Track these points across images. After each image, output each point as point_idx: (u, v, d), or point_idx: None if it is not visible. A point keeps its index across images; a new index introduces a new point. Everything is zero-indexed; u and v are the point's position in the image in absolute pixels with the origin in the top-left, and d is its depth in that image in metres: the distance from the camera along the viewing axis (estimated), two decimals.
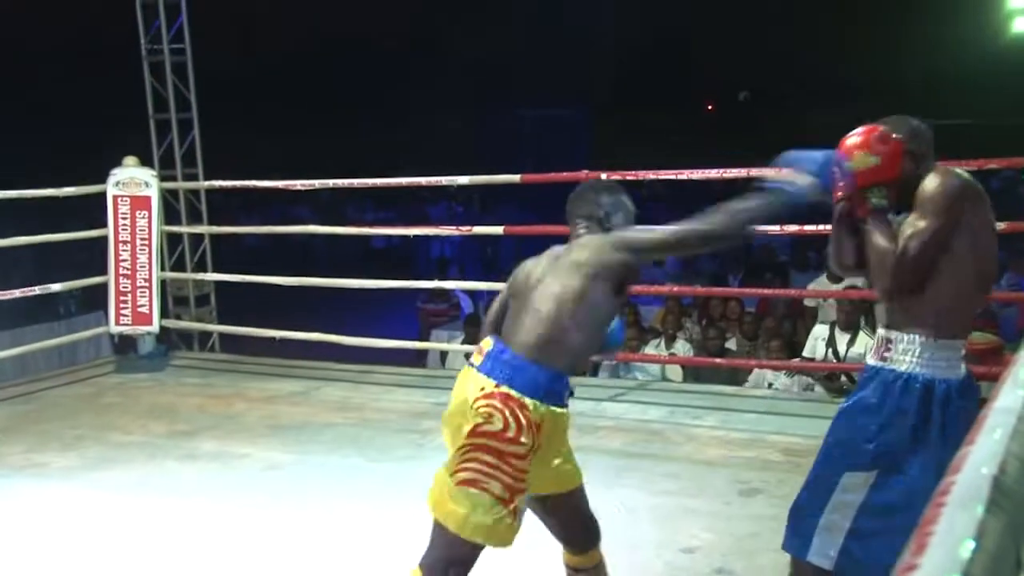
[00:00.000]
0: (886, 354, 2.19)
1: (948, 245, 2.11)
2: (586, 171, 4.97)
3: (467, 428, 2.08)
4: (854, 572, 2.15)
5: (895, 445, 2.12)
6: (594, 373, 6.07)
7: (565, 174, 5.17)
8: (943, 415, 2.10)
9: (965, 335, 2.19)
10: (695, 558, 3.07)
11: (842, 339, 5.51)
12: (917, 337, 2.15)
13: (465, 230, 5.87)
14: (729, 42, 18.42)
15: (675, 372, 5.97)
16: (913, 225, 2.13)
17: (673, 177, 5.06)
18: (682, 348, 6.14)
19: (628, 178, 5.08)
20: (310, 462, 4.18)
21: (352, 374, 5.86)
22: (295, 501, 3.67)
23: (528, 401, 2.08)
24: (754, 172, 4.72)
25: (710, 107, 24.48)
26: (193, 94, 7.22)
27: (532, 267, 2.30)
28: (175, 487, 3.88)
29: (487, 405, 2.07)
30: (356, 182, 5.98)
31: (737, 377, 5.79)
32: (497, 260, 13.15)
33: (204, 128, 7.26)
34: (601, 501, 3.55)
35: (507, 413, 2.07)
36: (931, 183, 2.13)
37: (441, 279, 8.64)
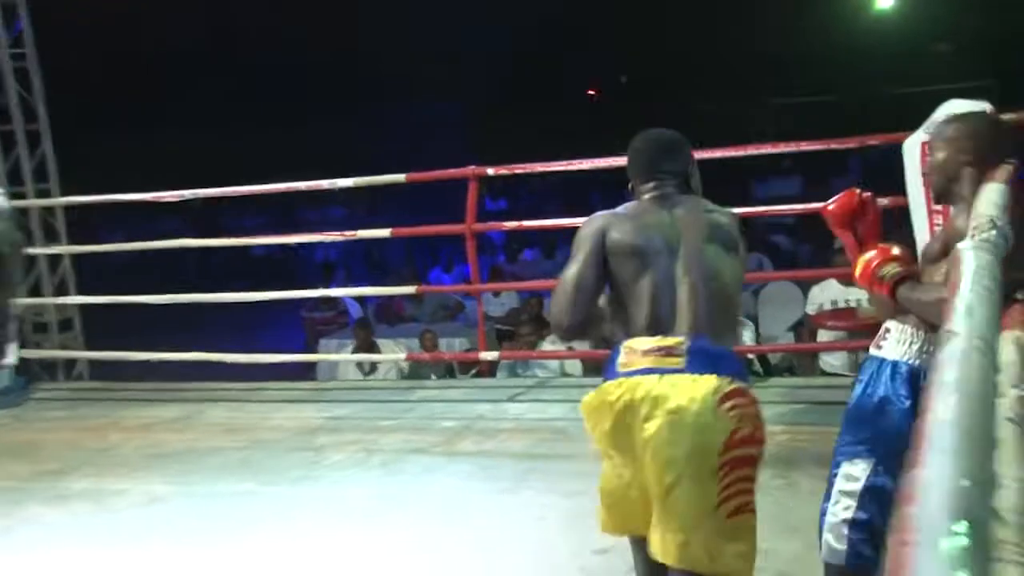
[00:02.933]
0: (881, 343, 2.24)
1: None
2: (473, 167, 4.92)
3: (718, 441, 1.78)
4: (857, 562, 2.15)
5: (888, 431, 2.13)
6: (491, 373, 6.04)
7: (451, 171, 5.12)
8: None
9: None
10: (609, 558, 3.05)
11: None
12: (909, 328, 2.18)
13: (350, 235, 5.73)
14: (605, 28, 18.68)
15: (575, 367, 5.98)
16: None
17: (564, 168, 5.06)
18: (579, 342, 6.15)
19: (518, 172, 5.06)
20: (196, 492, 4.00)
21: (237, 393, 5.67)
22: (181, 538, 3.50)
23: (753, 392, 1.88)
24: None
25: (592, 93, 24.81)
26: (41, 103, 6.86)
27: (655, 228, 1.97)
28: (43, 535, 3.63)
29: (733, 407, 1.80)
30: (230, 190, 5.75)
31: None
32: (384, 262, 13.01)
33: (58, 139, 6.91)
34: (509, 507, 3.57)
35: (752, 412, 1.84)
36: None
37: (327, 285, 8.47)
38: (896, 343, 2.21)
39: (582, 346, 6.10)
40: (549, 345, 6.09)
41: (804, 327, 5.69)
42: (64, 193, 6.67)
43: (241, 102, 16.71)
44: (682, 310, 1.89)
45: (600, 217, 2.05)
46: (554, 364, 5.95)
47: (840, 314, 5.17)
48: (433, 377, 6.39)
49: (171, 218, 15.85)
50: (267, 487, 3.99)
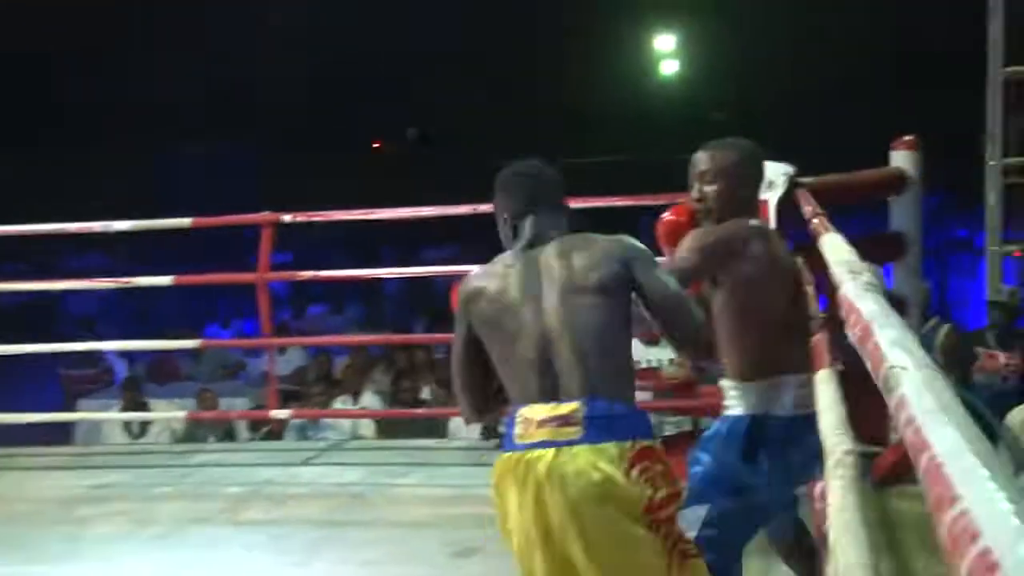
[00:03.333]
0: (725, 403, 2.33)
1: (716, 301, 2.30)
2: (267, 213, 4.74)
3: (636, 511, 1.72)
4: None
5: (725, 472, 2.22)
6: (278, 436, 5.75)
7: (242, 217, 4.90)
8: (769, 445, 2.22)
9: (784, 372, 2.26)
10: None
11: None
12: (731, 382, 2.30)
13: (124, 282, 5.30)
14: (393, 78, 18.81)
15: (367, 428, 5.80)
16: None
17: (356, 218, 4.94)
18: (372, 401, 6.00)
19: (316, 219, 4.89)
20: None
21: None
22: None
23: (660, 447, 1.80)
24: (451, 210, 4.86)
25: (376, 145, 24.92)
26: None
27: (517, 288, 1.90)
28: None
29: (643, 471, 1.73)
30: None
31: (436, 429, 5.73)
32: (154, 316, 12.27)
33: None
34: None
35: (662, 470, 1.75)
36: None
37: (88, 339, 7.81)
38: (730, 399, 2.29)
39: (375, 405, 5.93)
40: (341, 404, 5.88)
41: None
42: None
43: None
44: (570, 371, 1.82)
45: (466, 285, 1.99)
46: (347, 425, 5.74)
47: (643, 374, 5.27)
48: (212, 439, 5.99)
49: None
50: (26, 567, 3.56)
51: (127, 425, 6.00)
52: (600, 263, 1.89)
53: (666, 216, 2.57)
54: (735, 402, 2.28)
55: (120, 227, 5.03)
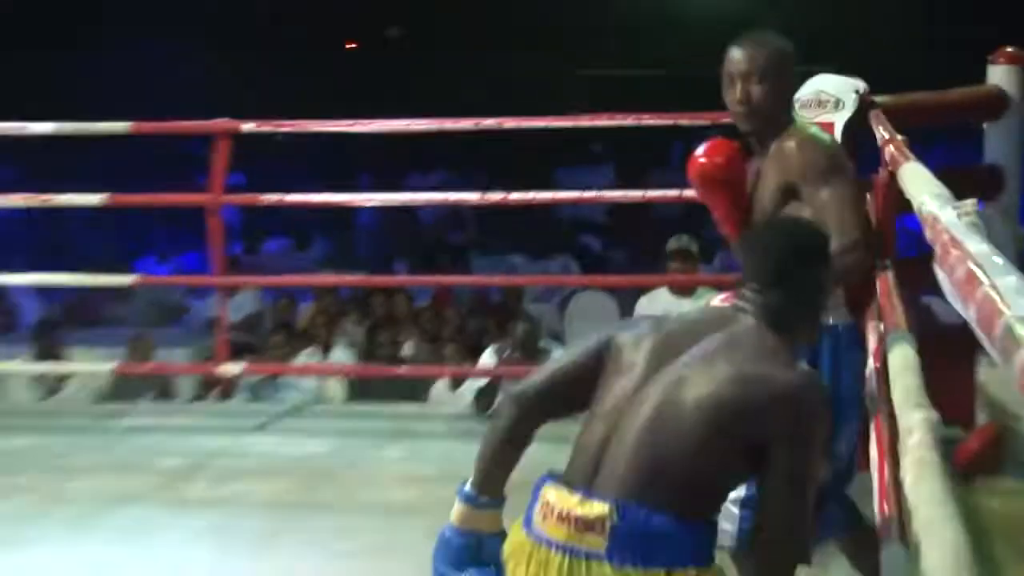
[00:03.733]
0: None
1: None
2: (224, 120, 4.73)
3: None
4: (741, 537, 2.36)
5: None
6: (227, 396, 5.78)
7: (193, 124, 4.90)
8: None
9: None
10: None
11: None
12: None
13: (46, 199, 5.29)
14: None
15: (336, 389, 5.84)
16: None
17: (342, 130, 4.97)
18: (343, 356, 6.04)
19: (281, 130, 4.91)
20: None
21: None
22: None
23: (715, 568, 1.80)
24: (450, 124, 4.87)
25: (352, 46, 24.63)
26: None
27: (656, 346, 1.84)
28: None
29: None
30: None
31: (417, 392, 5.77)
32: (71, 246, 12.28)
33: None
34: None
35: None
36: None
37: None
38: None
39: (346, 361, 5.96)
40: (304, 360, 5.90)
41: None
42: None
43: None
44: (616, 460, 1.77)
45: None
46: (311, 385, 5.79)
47: None
48: (146, 399, 6.02)
49: None
50: None
51: (38, 379, 6.01)
52: (739, 393, 1.76)
53: (700, 157, 2.57)
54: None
55: (38, 130, 5.03)
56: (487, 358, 5.29)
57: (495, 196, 5.16)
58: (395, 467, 4.37)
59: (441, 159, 13.78)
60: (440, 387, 5.66)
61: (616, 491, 1.73)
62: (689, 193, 3.48)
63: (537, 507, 1.80)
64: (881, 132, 2.97)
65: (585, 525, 1.72)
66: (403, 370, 5.65)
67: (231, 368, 5.13)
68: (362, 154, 13.82)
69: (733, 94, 2.50)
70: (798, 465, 1.73)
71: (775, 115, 2.50)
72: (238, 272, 8.71)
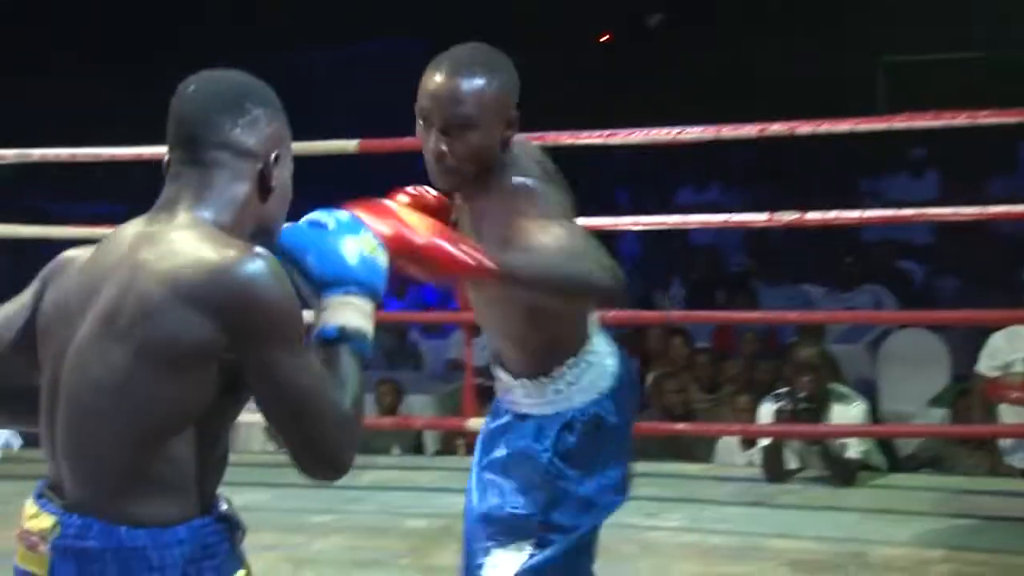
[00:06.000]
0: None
1: None
2: None
3: None
4: None
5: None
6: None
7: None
8: None
9: None
10: None
11: None
12: None
13: None
14: None
15: None
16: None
17: (597, 143, 5.01)
18: None
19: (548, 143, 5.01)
20: None
21: None
22: None
23: None
24: (728, 131, 4.86)
25: (606, 37, 24.72)
26: None
27: (83, 288, 1.77)
28: None
29: None
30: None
31: (694, 450, 5.77)
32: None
33: None
34: None
35: None
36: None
37: None
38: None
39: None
40: None
41: (967, 398, 5.62)
42: None
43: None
44: (63, 453, 1.71)
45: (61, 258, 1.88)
46: None
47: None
48: (397, 451, 6.29)
49: None
50: None
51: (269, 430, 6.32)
52: (173, 276, 1.69)
53: None
54: None
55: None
56: (765, 411, 5.20)
57: (787, 216, 5.06)
58: (677, 537, 4.39)
59: (718, 171, 13.64)
60: (729, 444, 5.68)
61: (69, 495, 1.71)
62: None
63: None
64: None
65: (30, 542, 1.70)
66: (681, 427, 5.62)
67: (477, 423, 5.15)
68: (620, 165, 13.83)
69: None
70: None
71: None
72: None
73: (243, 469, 5.56)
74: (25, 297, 1.84)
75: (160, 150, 1.83)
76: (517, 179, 2.32)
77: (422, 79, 2.31)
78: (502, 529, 2.41)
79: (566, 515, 2.40)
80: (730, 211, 7.84)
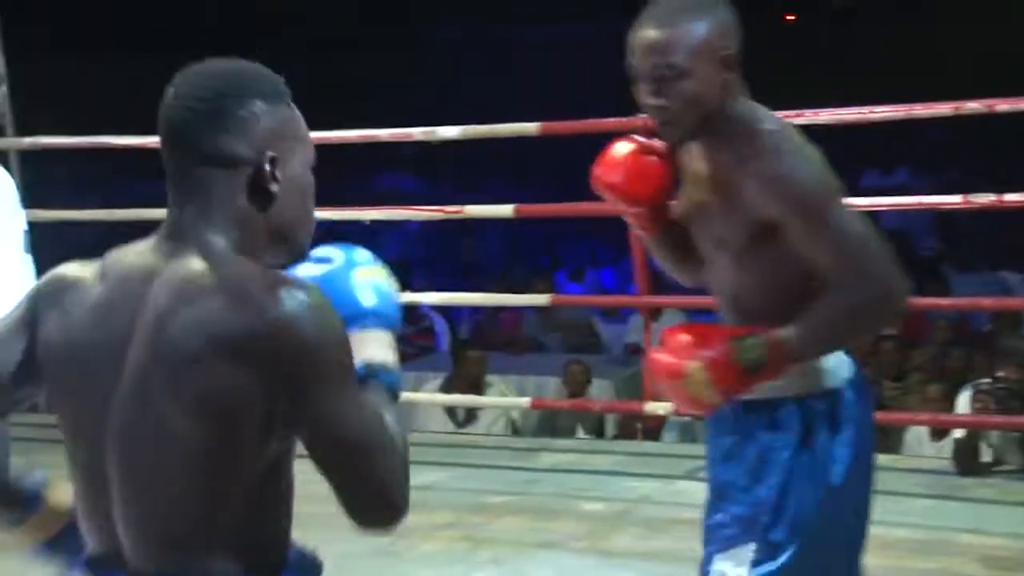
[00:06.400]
0: None
1: None
2: (643, 116, 4.83)
3: None
4: None
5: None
6: (655, 437, 5.95)
7: (604, 121, 4.99)
8: None
9: None
10: None
11: None
12: None
13: (454, 211, 5.67)
14: None
15: None
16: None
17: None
18: None
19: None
20: None
21: None
22: None
23: None
24: (920, 110, 4.74)
25: (790, 17, 24.49)
26: None
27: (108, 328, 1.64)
28: None
29: None
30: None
31: (880, 439, 5.67)
32: (479, 259, 12.97)
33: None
34: None
35: None
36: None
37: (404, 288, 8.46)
38: None
39: None
40: None
41: None
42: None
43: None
44: (125, 521, 1.64)
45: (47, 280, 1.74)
46: None
47: None
48: (581, 432, 6.33)
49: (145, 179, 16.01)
50: None
51: (451, 409, 6.45)
52: (202, 331, 1.58)
53: None
54: None
55: (446, 134, 5.32)
56: (963, 401, 5.13)
57: (983, 198, 4.91)
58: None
59: (906, 153, 13.38)
60: (918, 434, 5.60)
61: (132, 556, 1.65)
62: None
63: None
64: None
65: None
66: (909, 416, 5.58)
67: (658, 407, 5.17)
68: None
69: None
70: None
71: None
72: (662, 291, 8.91)
73: (422, 448, 5.66)
74: (14, 323, 1.71)
75: None
76: (754, 121, 2.32)
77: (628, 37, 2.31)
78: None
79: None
80: (919, 195, 7.67)
